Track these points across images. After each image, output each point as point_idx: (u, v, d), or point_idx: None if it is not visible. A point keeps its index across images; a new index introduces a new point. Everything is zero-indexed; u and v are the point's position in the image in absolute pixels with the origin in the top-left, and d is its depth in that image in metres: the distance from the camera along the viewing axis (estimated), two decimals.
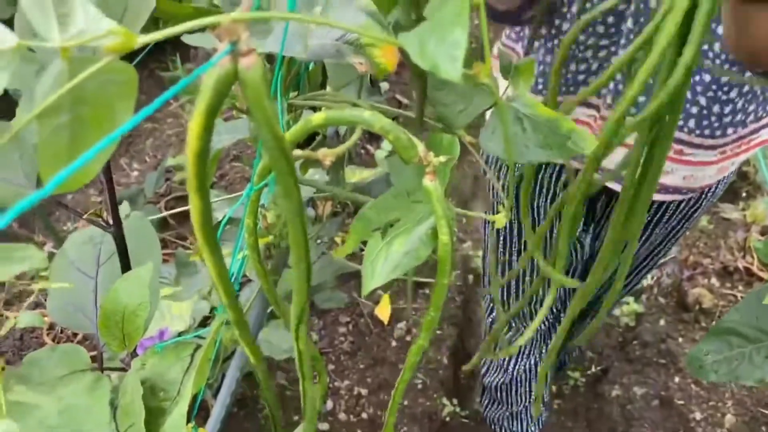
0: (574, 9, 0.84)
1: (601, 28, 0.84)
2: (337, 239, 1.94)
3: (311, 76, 0.73)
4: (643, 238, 1.14)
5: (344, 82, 0.78)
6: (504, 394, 1.57)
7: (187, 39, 0.80)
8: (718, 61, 0.82)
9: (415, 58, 0.32)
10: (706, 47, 0.81)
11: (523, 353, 1.48)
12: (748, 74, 0.82)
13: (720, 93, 0.85)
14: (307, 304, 0.44)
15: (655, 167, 0.51)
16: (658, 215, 1.08)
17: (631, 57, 0.48)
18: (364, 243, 0.54)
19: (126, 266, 0.65)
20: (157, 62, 2.60)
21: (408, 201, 0.51)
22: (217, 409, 0.94)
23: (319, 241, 1.32)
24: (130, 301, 0.57)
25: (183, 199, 2.07)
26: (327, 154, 0.41)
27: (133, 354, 0.63)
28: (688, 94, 0.86)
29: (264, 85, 0.30)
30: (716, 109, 0.86)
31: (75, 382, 0.57)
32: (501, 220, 0.49)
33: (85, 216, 0.56)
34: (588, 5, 0.80)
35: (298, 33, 0.46)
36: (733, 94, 0.85)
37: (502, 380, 1.54)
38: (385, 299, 1.81)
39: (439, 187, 0.45)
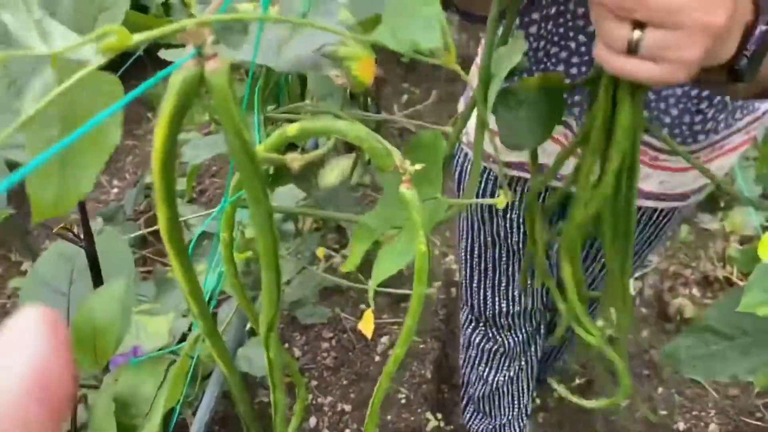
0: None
1: (572, 45, 0.85)
2: (319, 254, 1.93)
3: (291, 88, 0.73)
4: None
5: (327, 92, 0.77)
6: (487, 406, 1.56)
7: (164, 54, 0.79)
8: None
9: (392, 45, 0.33)
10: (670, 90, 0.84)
11: (503, 364, 1.47)
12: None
13: (690, 104, 0.87)
14: (278, 313, 0.43)
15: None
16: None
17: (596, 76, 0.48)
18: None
19: (98, 282, 0.64)
20: (136, 79, 2.57)
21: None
22: (196, 426, 0.92)
23: (299, 255, 1.31)
24: (101, 317, 0.56)
25: None
26: (295, 159, 0.40)
27: (106, 370, 0.62)
28: (662, 105, 0.87)
29: (230, 89, 0.30)
30: (687, 119, 0.88)
31: None
32: (501, 201, 0.49)
33: (55, 230, 0.55)
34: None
35: (273, 42, 0.45)
36: (703, 106, 0.87)
37: (483, 391, 1.53)
38: (368, 314, 1.80)
39: (416, 195, 0.45)
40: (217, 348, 0.44)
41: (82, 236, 0.59)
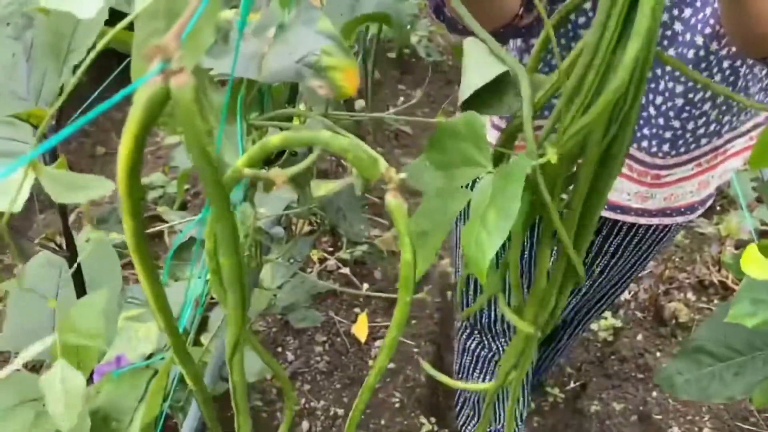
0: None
1: (562, 41, 0.84)
2: (313, 257, 1.92)
3: (275, 93, 0.72)
4: (613, 261, 1.14)
5: (319, 99, 0.77)
6: (481, 411, 1.56)
7: None
8: (690, 84, 0.82)
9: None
10: (678, 72, 0.81)
11: (496, 371, 1.47)
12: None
13: (693, 110, 0.85)
14: (243, 334, 0.42)
15: (603, 184, 0.51)
16: (627, 238, 1.08)
17: (565, 75, 0.47)
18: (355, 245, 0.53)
19: (82, 291, 0.63)
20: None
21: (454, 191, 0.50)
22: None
23: (291, 260, 1.31)
24: (83, 328, 0.55)
25: (156, 218, 2.04)
26: (279, 175, 0.40)
27: (89, 381, 0.61)
28: (661, 121, 0.86)
29: (195, 106, 0.29)
30: (691, 125, 0.87)
31: (25, 413, 0.55)
32: (554, 157, 0.48)
33: (37, 240, 0.54)
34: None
35: (252, 54, 0.45)
36: (706, 107, 0.85)
37: (477, 397, 1.53)
38: (362, 318, 1.80)
39: (403, 204, 0.44)
40: (185, 363, 0.43)
41: (63, 245, 0.59)
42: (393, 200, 0.45)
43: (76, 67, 0.51)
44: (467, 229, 0.46)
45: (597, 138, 0.44)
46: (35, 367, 1.59)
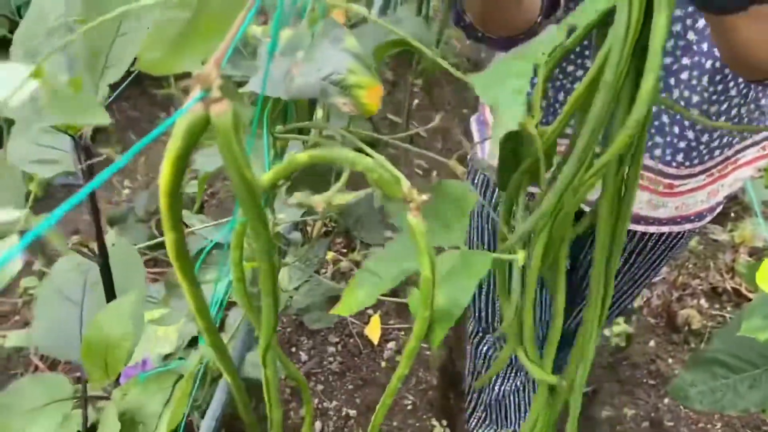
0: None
1: (571, 55, 0.85)
2: (327, 257, 1.94)
3: (298, 104, 0.74)
4: (625, 268, 1.14)
5: (337, 111, 0.79)
6: (493, 414, 1.57)
7: None
8: (706, 95, 0.83)
9: (480, 94, 0.36)
10: (694, 82, 0.82)
11: (509, 374, 1.48)
12: (732, 93, 0.83)
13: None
14: (274, 335, 0.45)
15: (628, 197, 0.51)
16: (640, 245, 1.08)
17: (585, 91, 0.47)
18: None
19: (111, 296, 0.65)
20: (150, 79, 2.61)
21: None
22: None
23: (308, 262, 1.33)
24: (112, 331, 0.57)
25: None
26: (319, 202, 0.41)
27: (116, 383, 0.63)
28: (676, 130, 0.86)
29: (234, 132, 0.31)
30: (705, 138, 0.87)
31: (55, 414, 0.57)
32: (521, 259, 0.49)
33: (71, 245, 0.56)
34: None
35: (284, 74, 0.46)
36: (721, 120, 0.85)
37: (489, 400, 1.54)
38: (375, 320, 1.81)
39: (422, 223, 0.46)
40: (224, 361, 0.45)
41: (96, 250, 0.61)
42: (413, 219, 0.46)
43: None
44: (421, 296, 0.46)
45: (612, 171, 0.45)
46: (53, 363, 1.62)
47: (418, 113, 2.61)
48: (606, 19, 0.44)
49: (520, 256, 0.48)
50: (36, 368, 1.59)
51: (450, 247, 0.50)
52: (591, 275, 0.52)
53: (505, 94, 0.36)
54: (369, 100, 0.52)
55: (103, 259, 0.62)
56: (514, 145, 0.58)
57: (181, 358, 1.13)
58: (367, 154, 0.47)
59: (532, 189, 0.62)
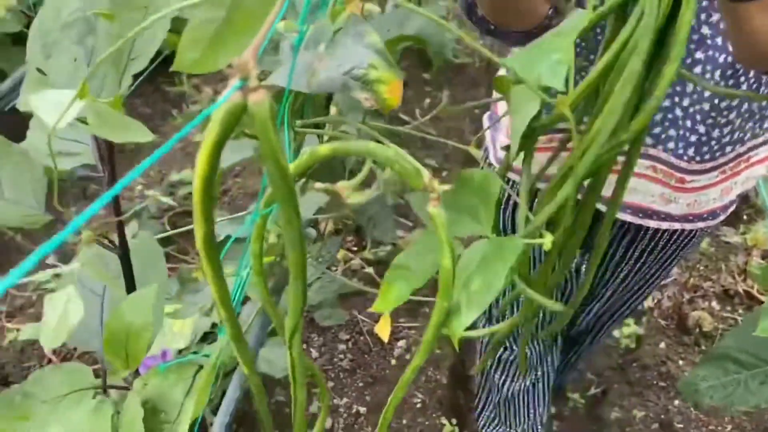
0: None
1: (591, 57, 0.85)
2: (338, 256, 1.94)
3: (315, 99, 0.74)
4: (636, 267, 1.14)
5: (350, 107, 0.79)
6: (502, 413, 1.57)
7: None
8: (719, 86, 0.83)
9: (519, 72, 0.37)
10: (708, 75, 0.82)
11: (518, 374, 1.48)
12: (743, 89, 0.83)
13: (720, 118, 0.86)
14: (301, 319, 0.45)
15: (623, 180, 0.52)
16: (652, 244, 1.08)
17: (599, 77, 0.48)
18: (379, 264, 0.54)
19: (131, 287, 0.66)
20: (163, 76, 2.62)
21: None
22: (216, 429, 0.94)
23: (320, 259, 1.33)
24: (134, 321, 0.58)
25: (187, 214, 2.08)
26: (345, 187, 0.42)
27: (136, 373, 0.64)
28: (688, 123, 0.87)
29: (271, 120, 0.31)
30: (716, 133, 0.87)
31: (78, 402, 0.58)
32: (547, 243, 0.49)
33: (95, 238, 0.57)
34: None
35: (306, 68, 0.47)
36: (732, 116, 0.86)
37: (498, 399, 1.54)
38: (386, 317, 1.81)
39: (443, 213, 0.46)
40: (242, 353, 0.45)
41: (116, 242, 0.61)
42: (434, 210, 0.47)
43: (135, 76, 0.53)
44: (441, 286, 0.47)
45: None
46: (66, 357, 1.64)
47: (429, 112, 2.61)
48: (624, 9, 0.45)
49: (547, 239, 0.48)
50: (49, 361, 1.61)
51: (479, 235, 0.50)
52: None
53: (546, 67, 0.37)
54: (390, 95, 0.53)
55: (123, 251, 0.62)
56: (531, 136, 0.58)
57: (195, 353, 1.14)
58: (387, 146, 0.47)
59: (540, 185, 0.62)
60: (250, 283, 0.76)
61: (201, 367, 0.59)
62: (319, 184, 0.41)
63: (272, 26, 0.32)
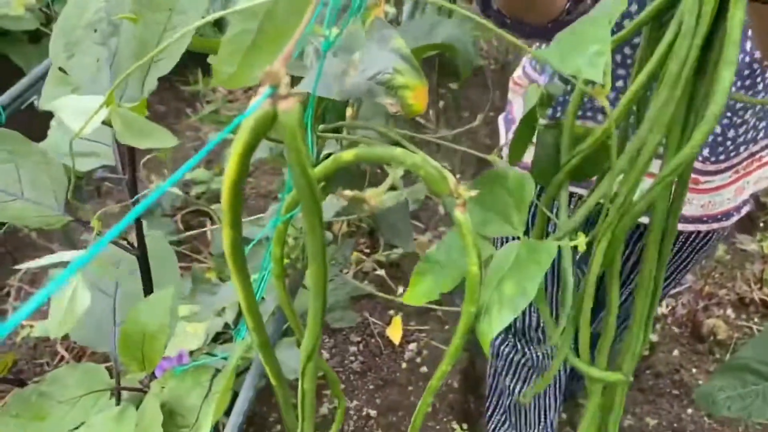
0: None
1: (617, 57, 0.85)
2: (351, 257, 1.94)
3: (335, 104, 0.74)
4: None
5: (372, 113, 0.79)
6: (513, 417, 1.56)
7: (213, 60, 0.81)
8: (734, 89, 0.83)
9: (556, 65, 0.37)
10: None
11: (531, 377, 1.47)
12: (759, 89, 0.83)
13: (735, 118, 0.86)
14: (319, 342, 0.44)
15: (680, 196, 0.51)
16: None
17: (642, 87, 0.47)
18: (391, 265, 0.54)
19: (148, 288, 0.65)
20: (177, 75, 2.63)
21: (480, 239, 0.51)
22: (229, 430, 0.93)
23: (333, 261, 1.33)
24: (151, 323, 0.57)
25: (199, 213, 2.08)
26: (374, 196, 0.41)
27: (152, 376, 0.63)
28: None
29: (300, 129, 0.31)
30: (731, 133, 0.87)
31: (94, 404, 0.57)
32: (582, 244, 0.48)
33: (112, 239, 0.57)
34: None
35: (335, 74, 0.46)
36: (747, 116, 0.86)
37: (509, 403, 1.53)
38: (397, 320, 1.81)
39: (469, 219, 0.46)
40: (270, 362, 0.45)
41: (135, 243, 0.61)
42: (460, 215, 0.46)
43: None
44: (468, 292, 0.46)
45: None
46: (79, 353, 1.64)
47: (444, 115, 2.61)
48: (664, 14, 0.44)
49: (580, 241, 0.47)
50: (62, 358, 1.61)
51: (510, 237, 0.49)
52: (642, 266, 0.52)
53: (585, 59, 0.36)
54: (415, 100, 0.52)
55: (141, 251, 0.62)
56: (555, 138, 0.57)
57: (208, 353, 1.14)
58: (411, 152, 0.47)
59: (573, 189, 0.61)
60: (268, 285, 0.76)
61: (218, 371, 0.58)
62: (347, 192, 0.41)
63: (303, 35, 0.32)
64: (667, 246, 0.51)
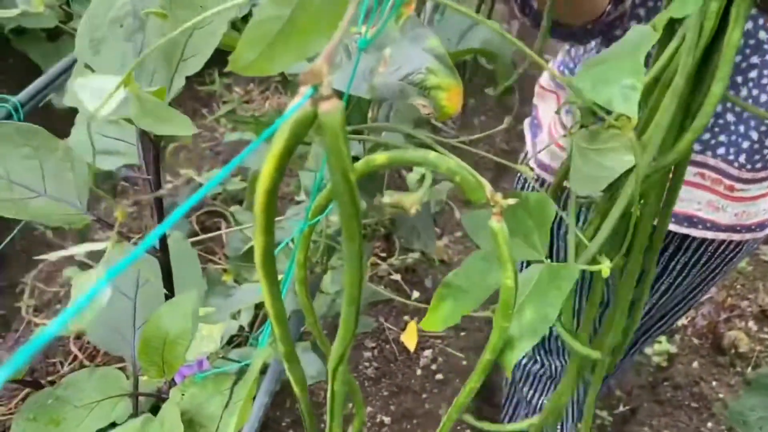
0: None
1: None
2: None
3: (362, 104, 0.72)
4: (678, 281, 1.11)
5: (399, 114, 0.77)
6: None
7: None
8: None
9: (589, 94, 0.37)
10: (764, 80, 0.80)
11: (548, 388, 1.44)
12: None
13: None
14: (350, 346, 0.43)
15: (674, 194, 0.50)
16: (695, 256, 1.05)
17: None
18: (408, 271, 0.52)
19: (170, 291, 0.64)
20: (194, 75, 2.62)
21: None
22: None
23: None
24: (172, 328, 0.56)
25: (214, 214, 2.07)
26: (412, 202, 0.40)
27: (171, 382, 0.62)
28: (741, 129, 0.84)
29: (342, 131, 0.29)
30: None
31: (112, 409, 0.56)
32: (606, 270, 0.47)
33: (133, 240, 0.55)
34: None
35: (366, 72, 0.45)
36: None
37: (526, 412, 1.51)
38: (412, 326, 1.79)
39: (506, 228, 0.44)
40: (295, 373, 0.43)
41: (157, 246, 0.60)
42: (497, 225, 0.44)
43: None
44: (501, 306, 0.44)
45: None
46: (92, 354, 1.63)
47: (459, 119, 2.59)
48: (672, 26, 0.43)
49: (605, 265, 0.45)
50: (75, 358, 1.61)
51: (531, 261, 0.48)
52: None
53: (617, 91, 0.36)
54: (449, 102, 0.50)
55: (164, 255, 0.61)
56: None
57: (223, 358, 1.12)
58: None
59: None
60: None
61: (238, 378, 0.57)
62: (386, 198, 0.39)
63: (345, 31, 0.30)
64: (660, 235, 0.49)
